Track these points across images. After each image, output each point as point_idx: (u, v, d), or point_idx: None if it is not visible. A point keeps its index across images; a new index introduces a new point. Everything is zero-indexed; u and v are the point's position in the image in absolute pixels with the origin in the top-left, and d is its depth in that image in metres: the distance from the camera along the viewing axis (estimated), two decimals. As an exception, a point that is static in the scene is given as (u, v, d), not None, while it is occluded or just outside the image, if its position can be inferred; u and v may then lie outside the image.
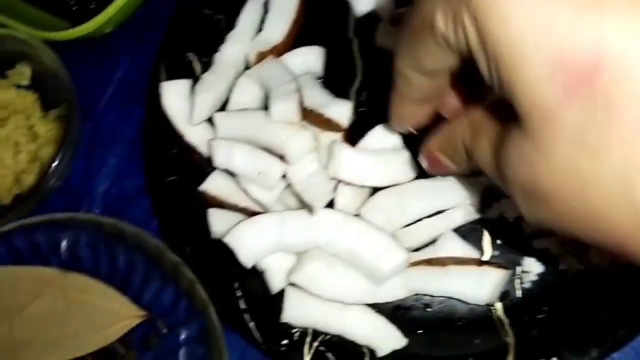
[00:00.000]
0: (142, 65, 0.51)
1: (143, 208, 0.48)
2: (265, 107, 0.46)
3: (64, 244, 0.46)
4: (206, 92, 0.45)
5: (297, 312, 0.41)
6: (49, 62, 0.47)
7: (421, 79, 0.30)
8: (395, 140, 0.44)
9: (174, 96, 0.46)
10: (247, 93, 0.46)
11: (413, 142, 0.38)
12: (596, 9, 0.19)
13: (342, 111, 0.44)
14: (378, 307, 0.40)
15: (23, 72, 0.50)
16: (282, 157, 0.42)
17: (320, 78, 0.48)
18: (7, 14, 0.46)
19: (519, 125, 0.22)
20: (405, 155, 0.43)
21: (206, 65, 0.48)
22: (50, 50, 0.46)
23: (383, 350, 0.40)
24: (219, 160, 0.43)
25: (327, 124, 0.44)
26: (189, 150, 0.46)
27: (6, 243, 0.45)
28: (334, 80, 0.47)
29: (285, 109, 0.42)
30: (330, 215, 0.41)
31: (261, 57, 0.47)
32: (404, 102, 0.33)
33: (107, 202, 0.50)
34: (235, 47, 0.48)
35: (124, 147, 0.51)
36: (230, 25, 0.49)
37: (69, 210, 0.47)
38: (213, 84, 0.46)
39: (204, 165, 0.45)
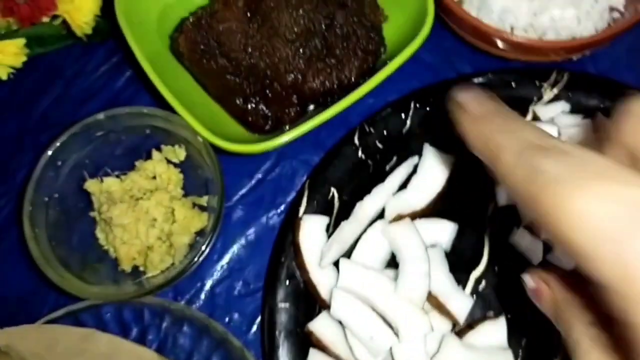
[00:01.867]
0: (279, 188, 0.54)
1: (244, 316, 0.51)
2: (389, 264, 0.49)
3: (164, 326, 0.49)
4: (342, 243, 0.47)
5: None
6: (209, 164, 0.49)
7: None
8: (502, 338, 0.46)
9: (311, 230, 0.48)
10: (375, 245, 0.49)
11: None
12: None
13: (462, 307, 0.45)
14: None
15: (178, 154, 0.53)
16: (393, 329, 0.44)
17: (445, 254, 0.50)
18: (194, 114, 0.48)
19: None
20: (510, 356, 0.44)
21: (345, 206, 0.50)
22: (214, 156, 0.49)
23: None
24: (335, 309, 0.45)
25: (445, 312, 0.45)
26: (310, 284, 0.48)
27: (117, 313, 0.48)
28: (459, 258, 0.49)
29: (413, 290, 0.44)
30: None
31: (398, 217, 0.49)
32: None
33: (212, 299, 0.52)
34: (379, 201, 0.50)
35: (246, 244, 0.54)
36: (377, 172, 0.51)
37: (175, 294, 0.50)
38: (349, 234, 0.48)
39: (320, 304, 0.47)
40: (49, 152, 0.50)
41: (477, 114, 0.29)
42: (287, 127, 0.53)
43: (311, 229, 0.49)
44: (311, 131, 0.49)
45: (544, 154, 0.23)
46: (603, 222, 0.20)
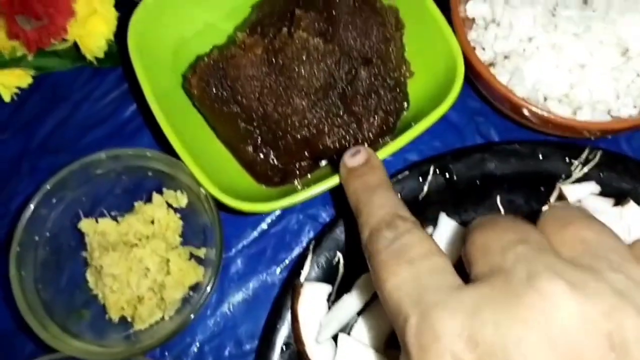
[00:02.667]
0: (283, 243, 0.51)
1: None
2: (394, 343, 0.46)
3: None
4: (342, 318, 0.44)
5: None
6: (210, 217, 0.46)
7: None
8: None
9: (311, 299, 0.45)
10: (379, 322, 0.45)
11: None
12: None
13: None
14: None
15: (180, 200, 0.50)
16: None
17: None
18: (199, 161, 0.46)
19: None
20: None
21: (351, 273, 0.47)
22: (215, 209, 0.46)
23: None
24: (330, 390, 0.42)
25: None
26: (304, 356, 0.45)
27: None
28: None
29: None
30: None
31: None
32: None
33: (201, 357, 0.49)
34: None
35: (242, 301, 0.51)
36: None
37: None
38: (350, 308, 0.45)
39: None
40: (45, 189, 0.47)
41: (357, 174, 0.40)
42: (297, 181, 0.50)
43: (311, 298, 0.46)
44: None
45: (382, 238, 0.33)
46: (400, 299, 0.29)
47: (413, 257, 0.30)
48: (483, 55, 0.51)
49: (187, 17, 0.53)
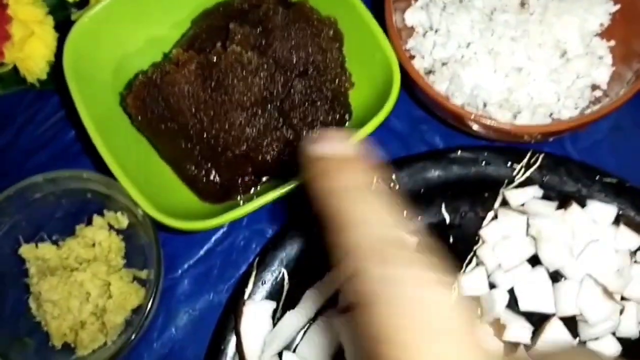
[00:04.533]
0: (230, 260, 0.50)
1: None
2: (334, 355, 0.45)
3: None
4: (286, 335, 0.44)
5: None
6: (146, 232, 0.46)
7: None
8: None
9: (255, 318, 0.45)
10: (324, 338, 0.45)
11: None
12: None
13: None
14: None
15: (120, 221, 0.49)
16: None
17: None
18: (137, 181, 0.45)
19: None
20: None
21: (297, 289, 0.46)
22: (152, 229, 0.45)
23: None
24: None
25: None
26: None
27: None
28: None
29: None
30: None
31: (350, 307, 0.45)
32: None
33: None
34: (330, 288, 0.46)
35: (189, 322, 0.50)
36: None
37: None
38: (294, 325, 0.44)
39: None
40: (-19, 216, 0.46)
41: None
42: (240, 197, 0.50)
43: (254, 316, 0.45)
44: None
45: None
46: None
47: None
48: (423, 63, 0.50)
49: (127, 35, 0.53)
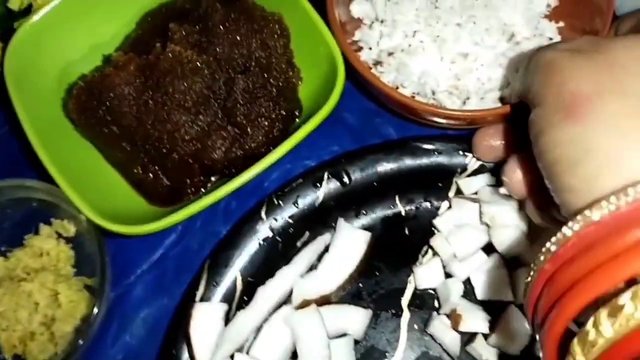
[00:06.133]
0: (184, 264, 0.49)
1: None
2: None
3: None
4: (237, 336, 0.43)
5: None
6: (90, 242, 0.45)
7: None
8: None
9: (205, 320, 0.44)
10: (278, 336, 0.44)
11: None
12: None
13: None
14: None
15: (68, 229, 0.48)
16: None
17: (358, 342, 0.45)
18: (82, 188, 0.44)
19: None
20: None
21: (250, 290, 0.46)
22: (94, 232, 0.44)
23: None
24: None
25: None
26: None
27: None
28: (373, 347, 0.45)
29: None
30: None
31: (305, 303, 0.45)
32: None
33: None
34: (283, 285, 0.45)
35: (143, 328, 0.49)
36: (287, 250, 0.47)
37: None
38: (247, 325, 0.43)
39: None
40: None
41: None
42: (191, 198, 0.49)
43: (205, 319, 0.44)
44: (218, 202, 0.44)
45: None
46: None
47: None
48: (371, 54, 0.50)
49: (71, 42, 0.52)
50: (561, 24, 0.50)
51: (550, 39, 0.49)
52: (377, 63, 0.50)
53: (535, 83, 0.32)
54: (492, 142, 0.44)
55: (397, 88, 0.48)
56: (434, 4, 0.49)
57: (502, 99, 0.47)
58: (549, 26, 0.50)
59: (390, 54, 0.49)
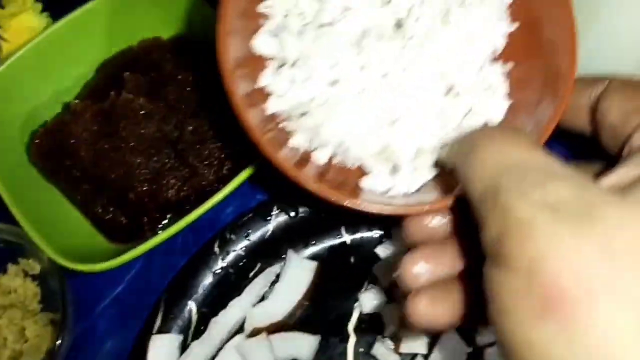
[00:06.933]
0: (145, 297, 0.52)
1: None
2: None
3: None
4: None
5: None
6: (53, 279, 0.48)
7: None
8: None
9: (161, 352, 0.46)
10: (230, 363, 0.47)
11: None
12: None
13: None
14: None
15: (34, 267, 0.51)
16: None
17: (306, 366, 0.48)
18: (45, 228, 0.47)
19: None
20: None
21: (203, 318, 0.48)
22: (57, 271, 0.47)
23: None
24: None
25: None
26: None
27: None
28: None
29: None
30: None
31: (256, 331, 0.48)
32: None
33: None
34: (235, 315, 0.48)
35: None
36: (239, 281, 0.50)
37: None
38: (200, 354, 0.46)
39: None
40: None
41: None
42: (148, 234, 0.52)
43: (161, 350, 0.47)
44: (174, 238, 0.47)
45: None
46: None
47: None
48: (280, 105, 0.38)
49: (34, 90, 0.54)
50: (511, 64, 0.39)
51: (494, 88, 0.39)
52: (287, 119, 0.38)
53: (494, 229, 0.24)
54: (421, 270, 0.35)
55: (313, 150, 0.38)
56: (357, 45, 0.37)
57: (437, 163, 0.37)
58: (494, 70, 0.39)
59: (303, 113, 0.37)
